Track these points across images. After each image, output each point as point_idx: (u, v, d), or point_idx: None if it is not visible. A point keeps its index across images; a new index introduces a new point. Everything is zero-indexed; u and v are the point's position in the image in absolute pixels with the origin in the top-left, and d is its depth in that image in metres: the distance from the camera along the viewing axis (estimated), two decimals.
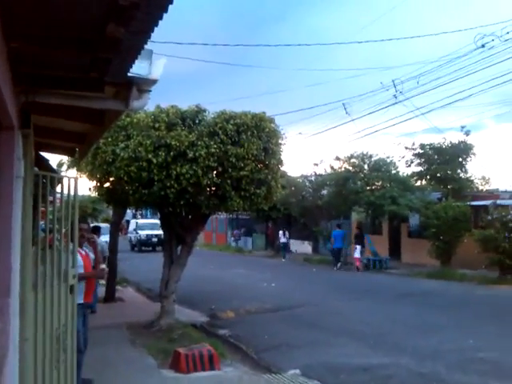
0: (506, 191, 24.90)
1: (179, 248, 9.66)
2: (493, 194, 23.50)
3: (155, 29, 2.41)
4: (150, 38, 2.34)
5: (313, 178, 24.80)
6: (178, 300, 9.77)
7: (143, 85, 3.13)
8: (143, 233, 32.13)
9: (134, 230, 33.22)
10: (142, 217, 46.31)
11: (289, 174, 25.48)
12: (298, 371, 6.65)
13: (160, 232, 31.19)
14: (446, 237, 18.49)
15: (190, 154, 7.84)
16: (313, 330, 9.23)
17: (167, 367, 6.66)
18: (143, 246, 31.75)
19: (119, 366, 6.69)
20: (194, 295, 12.50)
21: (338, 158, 23.38)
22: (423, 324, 9.67)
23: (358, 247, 21.70)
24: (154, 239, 31.17)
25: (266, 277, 17.35)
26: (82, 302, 5.59)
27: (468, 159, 24.41)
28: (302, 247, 29.11)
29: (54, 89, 3.12)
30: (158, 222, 33.84)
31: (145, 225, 33.69)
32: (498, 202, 19.27)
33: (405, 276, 18.44)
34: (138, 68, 2.97)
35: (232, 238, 36.70)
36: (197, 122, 8.44)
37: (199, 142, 7.91)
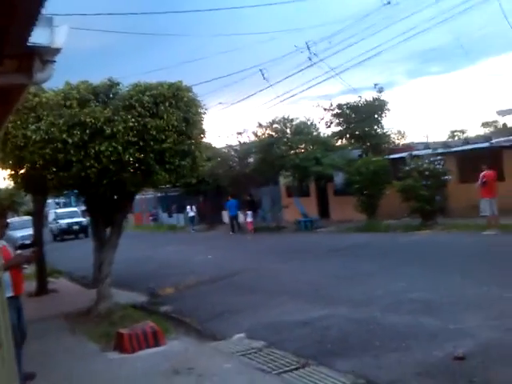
0: (420, 143, 26.25)
1: (108, 230, 9.40)
2: (409, 147, 24.71)
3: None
4: None
5: (238, 147, 24.86)
6: (114, 283, 9.54)
7: (46, 54, 2.94)
8: (63, 222, 32.60)
9: (54, 219, 33.40)
10: (66, 205, 45.34)
11: (213, 145, 25.42)
12: (242, 335, 6.75)
13: (80, 219, 32.72)
14: (369, 191, 19.31)
15: (108, 131, 7.53)
16: (252, 295, 9.38)
17: (111, 350, 6.54)
18: (65, 234, 32.24)
19: (61, 356, 6.50)
20: (130, 277, 12.28)
21: (260, 125, 23.57)
22: (355, 274, 10.12)
23: (249, 212, 24.13)
24: (75, 227, 32.17)
25: (200, 250, 17.37)
26: (11, 294, 5.32)
27: (383, 115, 25.37)
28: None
29: None
30: (76, 209, 35.09)
31: (64, 214, 34.27)
32: (414, 153, 20.36)
33: (334, 233, 19.15)
34: (39, 37, 2.78)
35: (150, 218, 37.34)
36: (111, 96, 8.11)
37: (116, 117, 7.61)
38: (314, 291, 9.01)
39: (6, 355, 4.84)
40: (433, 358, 5.13)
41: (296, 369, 5.29)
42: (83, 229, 31.50)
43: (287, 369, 5.30)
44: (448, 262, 10.35)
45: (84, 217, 32.95)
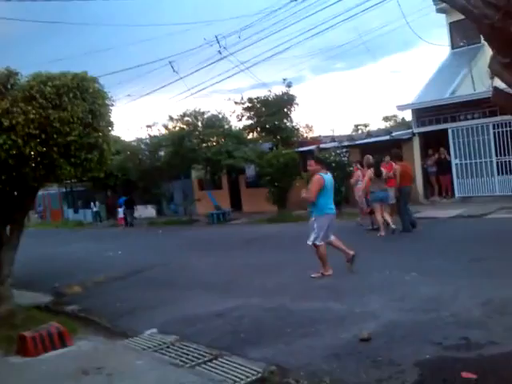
0: (327, 136, 27.25)
1: (8, 229, 8.81)
2: (316, 140, 25.56)
3: None
4: None
5: (148, 141, 24.34)
6: (15, 284, 8.98)
7: None
8: None
9: None
10: None
11: (123, 138, 24.70)
12: (154, 330, 6.65)
13: None
14: (279, 183, 19.76)
15: (6, 123, 7.00)
16: (165, 289, 9.27)
17: (13, 354, 6.16)
18: None
19: None
20: (34, 276, 11.61)
21: (171, 118, 23.23)
22: (267, 264, 10.33)
23: (120, 210, 26.37)
24: None
25: (110, 246, 16.84)
26: None
27: (292, 109, 26.01)
28: (147, 212, 28.74)
29: None
30: None
31: None
32: (322, 146, 21.13)
33: (247, 224, 19.42)
34: None
35: (36, 215, 36.50)
36: (9, 86, 7.56)
37: (15, 109, 7.10)
38: (229, 282, 9.09)
39: None
40: (340, 340, 5.38)
41: (209, 360, 5.31)
42: None
43: (200, 361, 5.31)
44: (362, 248, 10.90)
45: None
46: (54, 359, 5.79)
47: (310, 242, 8.57)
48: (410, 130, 19.60)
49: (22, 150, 7.24)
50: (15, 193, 8.59)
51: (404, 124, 26.11)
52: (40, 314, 8.24)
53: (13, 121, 7.08)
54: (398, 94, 68.61)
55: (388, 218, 12.40)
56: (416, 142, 19.22)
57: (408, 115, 21.22)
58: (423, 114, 18.88)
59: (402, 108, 20.68)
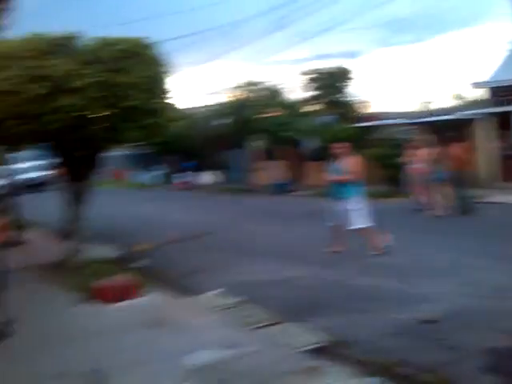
0: (391, 112, 26.41)
1: (80, 186, 9.20)
2: (379, 116, 24.80)
3: None
4: None
5: (210, 108, 24.55)
6: (90, 238, 9.34)
7: None
8: (26, 176, 32.29)
9: (17, 174, 32.91)
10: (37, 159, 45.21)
11: (185, 105, 25.07)
12: (218, 291, 6.79)
13: (41, 173, 32.06)
14: None
15: (73, 85, 7.13)
16: (228, 254, 9.46)
17: (86, 302, 6.50)
18: (28, 187, 32.12)
19: (38, 305, 6.48)
20: (105, 232, 12.04)
21: (233, 87, 23.25)
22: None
23: (184, 174, 27.22)
24: (37, 181, 32.61)
25: (174, 208, 17.35)
26: None
27: (354, 83, 25.35)
28: (208, 178, 29.08)
29: None
30: (30, 165, 33.80)
31: (28, 168, 33.81)
32: (386, 122, 20.57)
33: (308, 197, 19.32)
34: None
35: (103, 176, 38.04)
36: (76, 49, 7.68)
37: (83, 71, 7.21)
38: (290, 252, 9.18)
39: None
40: (402, 320, 5.31)
41: (269, 325, 5.41)
42: (43, 183, 31.77)
43: (261, 325, 5.39)
44: (422, 229, 10.70)
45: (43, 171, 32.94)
46: (123, 309, 6.09)
47: (363, 225, 8.48)
48: (482, 110, 18.64)
49: (88, 112, 7.41)
50: (85, 152, 8.87)
51: (475, 103, 24.84)
52: (111, 266, 8.55)
53: (81, 83, 7.17)
54: (467, 71, 64.84)
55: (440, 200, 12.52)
56: (489, 123, 18.30)
57: (479, 94, 20.16)
58: (500, 93, 17.88)
59: (478, 85, 19.65)
